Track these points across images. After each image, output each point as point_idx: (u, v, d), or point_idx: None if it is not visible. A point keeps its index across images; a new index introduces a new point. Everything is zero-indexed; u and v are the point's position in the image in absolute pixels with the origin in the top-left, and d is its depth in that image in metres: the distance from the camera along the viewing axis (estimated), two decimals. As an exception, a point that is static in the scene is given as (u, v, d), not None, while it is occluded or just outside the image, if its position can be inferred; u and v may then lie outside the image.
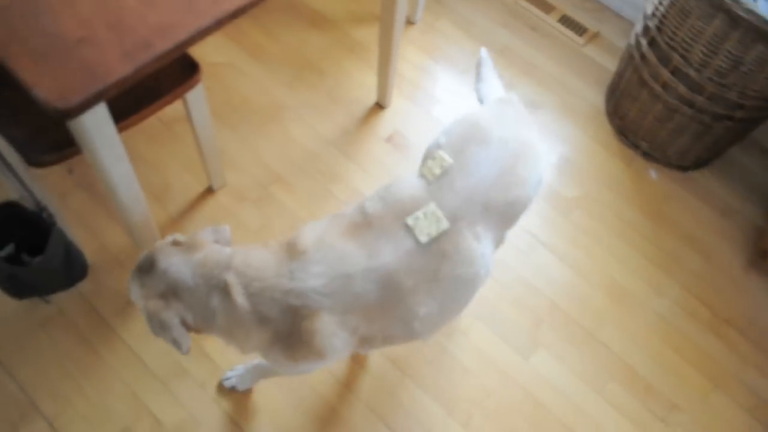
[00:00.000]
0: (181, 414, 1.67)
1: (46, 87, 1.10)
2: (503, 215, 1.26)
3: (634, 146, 2.24)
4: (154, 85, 1.52)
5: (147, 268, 1.19)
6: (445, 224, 1.18)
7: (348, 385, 1.73)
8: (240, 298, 1.14)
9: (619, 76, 2.24)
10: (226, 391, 1.70)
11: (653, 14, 1.99)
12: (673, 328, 1.90)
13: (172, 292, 1.17)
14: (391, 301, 1.17)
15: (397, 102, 2.25)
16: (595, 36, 2.52)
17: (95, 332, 1.75)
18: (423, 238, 1.17)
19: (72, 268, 1.73)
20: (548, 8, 2.58)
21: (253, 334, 1.17)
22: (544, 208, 2.07)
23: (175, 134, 2.11)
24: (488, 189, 1.23)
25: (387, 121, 2.20)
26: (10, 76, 1.49)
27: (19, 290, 1.67)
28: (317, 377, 1.73)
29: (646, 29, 2.04)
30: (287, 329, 1.15)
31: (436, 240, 1.18)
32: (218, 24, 1.21)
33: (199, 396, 1.69)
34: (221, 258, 1.19)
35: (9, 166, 1.44)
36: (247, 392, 1.70)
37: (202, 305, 1.17)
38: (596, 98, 2.35)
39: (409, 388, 1.74)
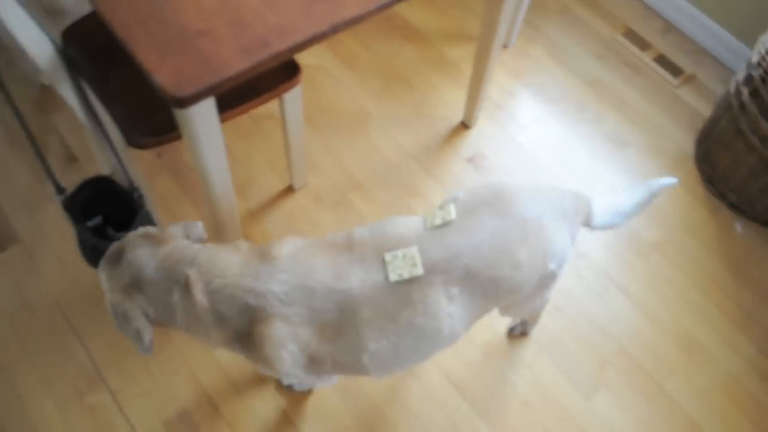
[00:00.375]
0: (239, 405, 1.69)
1: (164, 74, 1.14)
2: (485, 289, 1.20)
3: (722, 196, 2.17)
4: (255, 81, 1.56)
5: (115, 259, 1.20)
6: (419, 271, 1.15)
7: (405, 401, 1.72)
8: (199, 295, 1.15)
9: (713, 122, 2.18)
10: (285, 388, 1.71)
11: (759, 64, 1.93)
12: (745, 390, 1.82)
13: (135, 284, 1.17)
14: (345, 326, 1.15)
15: (482, 123, 2.24)
16: (691, 79, 2.46)
17: (166, 314, 1.80)
18: (393, 277, 1.14)
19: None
20: (645, 45, 2.53)
21: (213, 332, 1.18)
22: (621, 248, 2.03)
23: (263, 131, 2.15)
24: (477, 257, 1.17)
25: (471, 141, 2.20)
26: (125, 57, 1.55)
27: (99, 261, 1.73)
28: (376, 388, 1.73)
29: (749, 78, 1.97)
30: (245, 330, 1.15)
31: (406, 283, 1.15)
32: (333, 30, 1.23)
33: (259, 390, 1.71)
34: (187, 253, 1.19)
35: (111, 144, 1.49)
36: (306, 393, 1.71)
37: (163, 300, 1.17)
38: (686, 142, 2.29)
39: (466, 412, 1.72)
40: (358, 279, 1.15)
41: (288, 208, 2.01)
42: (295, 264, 1.16)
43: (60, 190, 1.54)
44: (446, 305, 1.17)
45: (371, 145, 2.15)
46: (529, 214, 1.22)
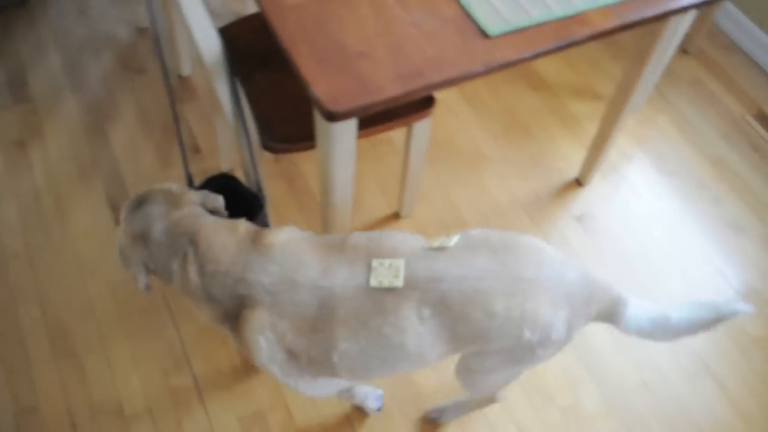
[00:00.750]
0: (312, 414, 1.71)
1: (322, 87, 1.18)
2: (455, 322, 1.17)
3: (840, 303, 2.05)
4: (393, 107, 1.59)
5: (136, 205, 1.28)
6: (399, 282, 1.16)
7: (476, 446, 1.70)
8: (193, 274, 1.20)
9: (842, 224, 2.07)
10: (357, 405, 1.72)
11: None
12: None
13: (142, 237, 1.25)
14: (322, 323, 1.17)
15: (596, 184, 2.21)
16: (822, 175, 2.36)
17: (259, 313, 1.84)
18: (373, 282, 1.16)
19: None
20: (777, 133, 2.44)
21: (204, 308, 1.24)
22: (721, 337, 1.94)
23: (378, 154, 2.19)
24: (456, 288, 1.16)
25: (582, 200, 2.17)
26: (270, 64, 1.62)
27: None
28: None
29: None
30: (234, 312, 1.21)
31: (384, 291, 1.16)
32: (487, 71, 1.25)
33: (333, 403, 1.73)
34: (191, 227, 1.24)
35: (249, 143, 1.55)
36: (378, 413, 1.72)
37: (163, 262, 1.25)
38: (808, 240, 2.19)
39: (536, 472, 1.68)
40: (341, 278, 1.18)
41: (391, 232, 2.03)
42: (286, 256, 1.20)
43: (190, 181, 1.62)
44: (416, 323, 1.16)
45: (482, 186, 2.16)
46: (528, 275, 1.17)
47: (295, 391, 1.71)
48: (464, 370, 1.39)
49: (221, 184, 1.72)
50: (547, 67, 2.51)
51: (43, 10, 2.61)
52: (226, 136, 1.97)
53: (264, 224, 1.72)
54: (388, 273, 1.17)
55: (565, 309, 1.18)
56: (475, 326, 1.17)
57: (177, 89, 2.34)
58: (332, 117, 1.17)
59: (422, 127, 1.69)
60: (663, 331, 1.25)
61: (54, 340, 1.80)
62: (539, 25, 1.32)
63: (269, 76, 1.65)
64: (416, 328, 1.17)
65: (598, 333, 1.90)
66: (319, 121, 1.34)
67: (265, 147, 1.57)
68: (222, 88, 1.38)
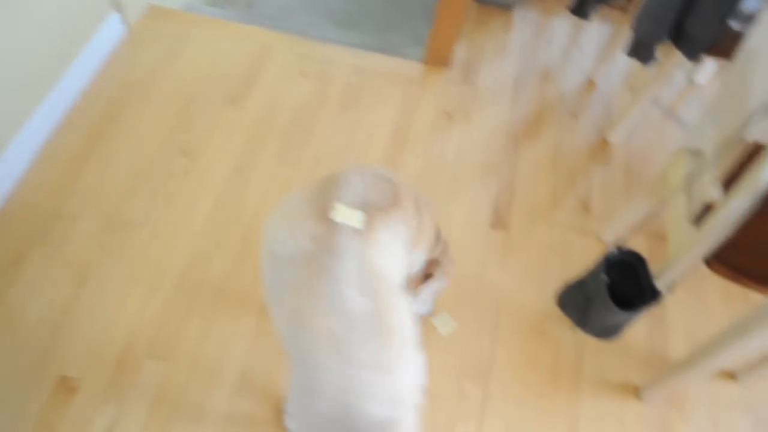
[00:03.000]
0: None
1: None
2: None
3: None
4: None
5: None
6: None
7: None
8: None
9: None
10: None
11: None
12: None
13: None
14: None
15: None
16: None
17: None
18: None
19: (610, 332, 1.83)
20: None
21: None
22: None
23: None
24: None
25: None
26: None
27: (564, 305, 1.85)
28: None
29: None
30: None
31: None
32: None
33: None
34: None
35: (701, 250, 1.54)
36: None
37: None
38: None
39: None
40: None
41: None
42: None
43: (618, 245, 1.67)
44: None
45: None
46: None
47: None
48: None
49: (627, 260, 1.74)
50: None
51: (521, 23, 2.86)
52: (634, 214, 1.99)
53: (633, 314, 1.70)
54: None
55: None
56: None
57: (594, 148, 2.42)
58: None
59: None
60: None
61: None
62: None
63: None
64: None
65: None
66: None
67: (708, 262, 1.56)
68: (740, 201, 1.39)
